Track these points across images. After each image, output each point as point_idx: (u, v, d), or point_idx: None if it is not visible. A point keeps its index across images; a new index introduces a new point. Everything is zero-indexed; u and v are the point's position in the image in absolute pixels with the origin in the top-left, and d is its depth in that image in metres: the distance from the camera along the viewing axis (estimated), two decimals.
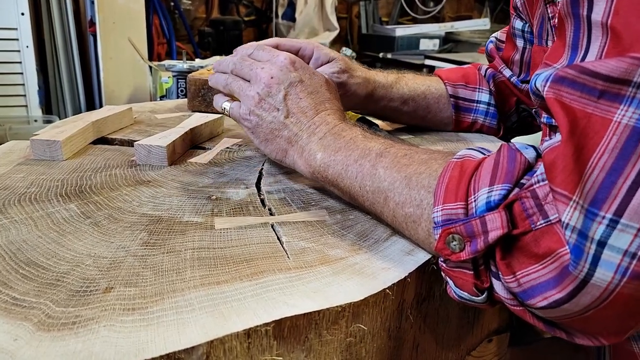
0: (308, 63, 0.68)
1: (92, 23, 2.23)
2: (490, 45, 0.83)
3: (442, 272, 0.40)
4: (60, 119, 1.70)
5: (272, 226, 0.48)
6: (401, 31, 3.08)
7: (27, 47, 2.13)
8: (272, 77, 0.54)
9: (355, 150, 0.48)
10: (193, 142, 0.72)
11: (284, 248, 0.43)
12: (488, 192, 0.36)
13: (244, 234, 0.46)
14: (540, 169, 0.35)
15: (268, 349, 0.34)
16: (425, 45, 3.06)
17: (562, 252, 0.32)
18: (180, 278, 0.38)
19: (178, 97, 1.42)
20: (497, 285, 0.36)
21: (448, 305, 0.48)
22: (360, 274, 0.40)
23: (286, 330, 0.34)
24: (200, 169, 0.63)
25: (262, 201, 0.53)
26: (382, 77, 0.74)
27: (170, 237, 0.45)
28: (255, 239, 0.45)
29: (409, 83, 0.77)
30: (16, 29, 2.10)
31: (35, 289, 0.36)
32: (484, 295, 0.37)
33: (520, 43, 0.75)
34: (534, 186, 0.34)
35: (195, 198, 0.54)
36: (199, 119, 0.77)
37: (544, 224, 0.33)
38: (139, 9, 2.27)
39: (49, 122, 2.07)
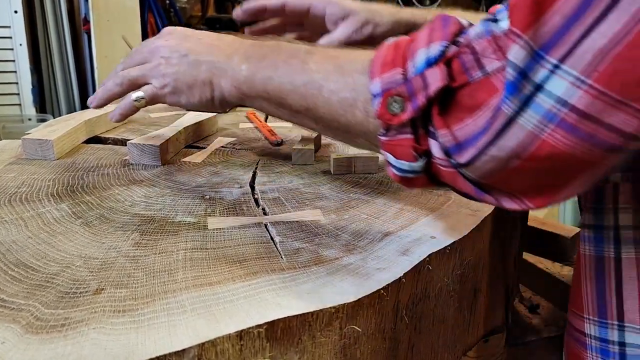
0: (321, 23, 0.64)
1: (86, 21, 2.22)
2: None
3: (382, 151, 0.40)
4: (54, 118, 1.69)
5: (266, 226, 0.47)
6: None
7: (21, 45, 2.12)
8: (167, 41, 0.54)
9: (282, 53, 0.48)
10: (187, 141, 0.72)
11: (277, 248, 0.43)
12: (426, 51, 0.36)
13: (237, 234, 0.45)
14: (476, 28, 0.35)
15: (261, 351, 0.33)
16: None
17: (495, 100, 0.32)
18: (172, 279, 0.37)
19: None
20: (434, 147, 0.36)
21: (444, 305, 0.47)
22: (354, 274, 0.39)
23: (279, 331, 0.33)
24: (193, 168, 0.63)
25: (256, 201, 0.53)
26: (419, 16, 0.68)
27: (162, 238, 0.44)
28: (248, 239, 0.44)
29: None
30: (9, 27, 2.09)
31: (24, 291, 0.36)
32: (422, 161, 0.37)
33: None
34: (472, 42, 0.34)
35: (188, 198, 0.53)
36: (193, 117, 0.77)
37: (481, 76, 0.33)
38: (133, 6, 2.26)
39: (43, 120, 2.06)
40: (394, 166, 0.39)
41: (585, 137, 0.30)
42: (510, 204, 0.36)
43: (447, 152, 0.36)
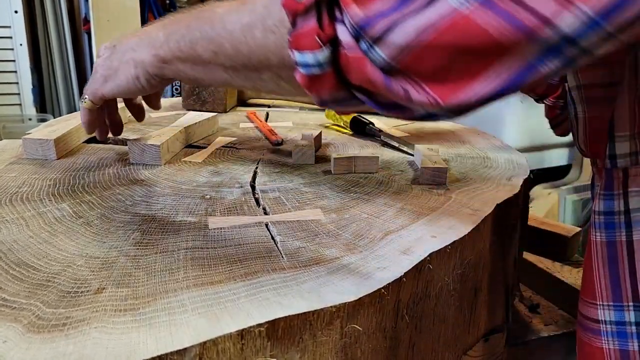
0: None
1: (87, 21, 2.22)
2: None
3: (290, 51, 0.40)
4: (54, 118, 1.69)
5: (267, 225, 0.47)
6: None
7: (21, 45, 2.13)
8: (105, 43, 0.59)
9: (196, 13, 0.50)
10: (187, 141, 0.72)
11: (278, 248, 0.43)
12: None
13: (238, 233, 0.45)
14: None
15: (262, 350, 0.33)
16: None
17: None
18: (173, 278, 0.38)
19: (173, 95, 1.41)
20: (342, 32, 0.37)
21: (444, 305, 0.48)
22: (355, 273, 0.39)
23: (280, 330, 0.34)
24: (194, 168, 0.63)
25: (257, 200, 0.53)
26: None
27: (163, 237, 0.44)
28: (249, 239, 0.44)
29: None
30: (10, 27, 2.10)
31: (25, 290, 0.36)
32: (327, 51, 0.37)
33: None
34: None
35: (189, 197, 0.53)
36: (193, 117, 0.77)
37: None
38: (133, 6, 2.26)
39: (43, 120, 2.06)
40: (300, 64, 0.39)
41: (503, 14, 0.30)
42: (417, 96, 0.35)
43: (357, 32, 0.36)
